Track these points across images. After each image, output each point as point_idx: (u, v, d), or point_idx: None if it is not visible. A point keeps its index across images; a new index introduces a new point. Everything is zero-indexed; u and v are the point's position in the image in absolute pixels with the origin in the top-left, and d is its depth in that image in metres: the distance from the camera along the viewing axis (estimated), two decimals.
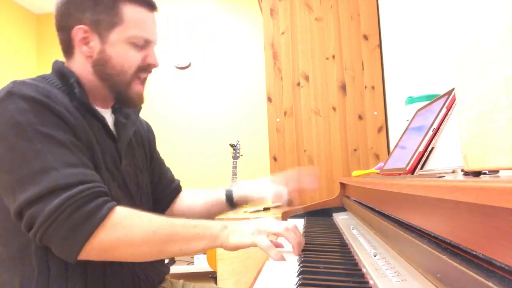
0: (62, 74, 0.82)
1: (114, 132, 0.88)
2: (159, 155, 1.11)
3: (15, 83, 0.72)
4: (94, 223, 0.66)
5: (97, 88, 0.85)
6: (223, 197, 1.08)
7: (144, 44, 0.85)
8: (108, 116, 0.90)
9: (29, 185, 0.66)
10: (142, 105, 0.92)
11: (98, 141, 0.81)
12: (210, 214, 1.09)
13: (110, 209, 0.69)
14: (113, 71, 0.83)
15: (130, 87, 0.85)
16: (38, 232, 0.65)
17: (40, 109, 0.70)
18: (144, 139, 1.03)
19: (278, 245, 0.80)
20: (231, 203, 1.08)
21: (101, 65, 0.83)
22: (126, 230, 0.69)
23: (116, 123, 0.91)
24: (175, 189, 1.12)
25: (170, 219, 0.75)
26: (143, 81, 0.88)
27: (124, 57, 0.83)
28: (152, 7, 0.87)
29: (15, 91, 0.70)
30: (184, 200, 1.11)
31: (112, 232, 0.67)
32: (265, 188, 1.07)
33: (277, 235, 0.79)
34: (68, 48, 0.84)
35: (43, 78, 0.81)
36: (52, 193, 0.65)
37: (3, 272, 0.74)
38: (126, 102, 0.88)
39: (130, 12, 0.82)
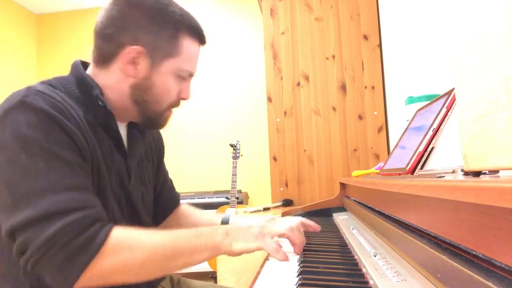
0: (83, 83, 0.77)
1: (126, 146, 0.85)
2: (164, 165, 1.07)
3: (29, 91, 0.68)
4: (92, 250, 0.62)
5: (125, 107, 0.81)
6: (218, 222, 1.04)
7: (187, 78, 0.85)
8: (122, 129, 0.86)
9: (26, 206, 0.62)
10: None
11: (106, 160, 0.77)
12: None
13: (107, 233, 0.65)
14: (151, 99, 0.80)
15: (162, 116, 0.85)
16: (30, 261, 0.61)
17: (49, 124, 0.66)
18: (154, 151, 0.99)
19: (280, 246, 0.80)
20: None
21: (141, 90, 0.79)
22: (126, 252, 0.65)
23: (129, 136, 0.87)
24: (174, 203, 1.07)
25: (171, 232, 0.71)
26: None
27: (167, 88, 0.81)
28: (204, 43, 0.87)
29: (28, 102, 0.66)
30: (180, 217, 1.07)
31: (112, 257, 0.64)
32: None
33: (281, 236, 0.78)
34: (107, 58, 0.78)
35: (61, 83, 0.76)
36: (49, 218, 0.61)
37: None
38: (153, 126, 0.88)
39: (187, 45, 0.81)
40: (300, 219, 0.87)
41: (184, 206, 1.10)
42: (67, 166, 0.66)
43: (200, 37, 0.84)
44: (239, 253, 0.73)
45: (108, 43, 0.77)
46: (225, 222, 1.03)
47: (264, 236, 0.74)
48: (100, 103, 0.76)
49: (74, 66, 0.81)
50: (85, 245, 0.62)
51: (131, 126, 0.88)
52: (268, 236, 0.74)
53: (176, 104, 0.86)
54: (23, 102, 0.66)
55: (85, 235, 0.63)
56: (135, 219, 0.83)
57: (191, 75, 0.85)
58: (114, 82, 0.79)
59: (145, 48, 0.76)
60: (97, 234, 0.64)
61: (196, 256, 0.71)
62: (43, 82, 0.74)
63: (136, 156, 0.87)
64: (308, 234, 1.00)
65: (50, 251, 0.60)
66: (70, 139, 0.68)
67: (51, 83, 0.75)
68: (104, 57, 0.78)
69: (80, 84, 0.77)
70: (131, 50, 0.76)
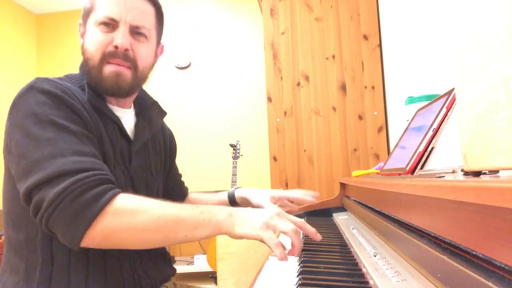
0: (82, 74, 0.87)
1: (131, 133, 0.90)
2: (177, 167, 1.15)
3: (38, 79, 0.77)
4: (97, 208, 0.66)
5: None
6: (225, 197, 1.12)
7: (112, 23, 0.83)
8: (128, 116, 0.92)
9: (38, 169, 0.68)
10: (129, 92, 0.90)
11: (111, 139, 0.83)
12: None
13: (115, 194, 0.69)
14: (86, 56, 0.85)
15: (101, 72, 0.83)
16: (44, 217, 0.67)
17: (56, 102, 0.74)
18: (163, 147, 1.04)
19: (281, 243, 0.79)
20: (233, 203, 1.11)
21: (83, 54, 0.86)
22: (130, 216, 0.68)
23: (136, 125, 0.92)
24: (182, 195, 1.16)
25: (176, 204, 0.74)
26: (117, 64, 0.85)
27: (93, 39, 0.84)
28: None
29: (36, 86, 0.75)
30: (189, 202, 1.15)
31: (115, 218, 0.67)
32: (263, 194, 1.09)
33: (285, 234, 0.77)
34: None
35: (68, 76, 0.86)
36: (59, 178, 0.67)
37: (13, 256, 0.77)
38: (102, 88, 0.85)
39: None
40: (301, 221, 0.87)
41: (193, 194, 1.19)
42: (75, 136, 0.73)
43: None
44: (239, 237, 0.74)
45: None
46: (231, 195, 1.12)
47: (267, 228, 0.73)
48: (87, 90, 0.83)
49: (80, 67, 0.90)
50: (92, 201, 0.67)
51: (139, 118, 0.94)
52: (271, 229, 0.73)
53: (110, 53, 0.83)
54: (32, 87, 0.75)
55: (92, 192, 0.67)
56: None
57: (112, 20, 0.83)
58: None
59: (82, 19, 0.88)
60: (104, 194, 0.68)
61: (197, 230, 0.72)
62: (50, 77, 0.83)
63: (140, 142, 0.91)
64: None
65: (60, 205, 0.65)
66: (75, 114, 0.76)
67: (59, 77, 0.84)
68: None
69: (82, 76, 0.87)
70: (79, 27, 0.89)
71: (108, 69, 0.83)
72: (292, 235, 0.76)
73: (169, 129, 1.12)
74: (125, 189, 0.83)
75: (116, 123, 0.86)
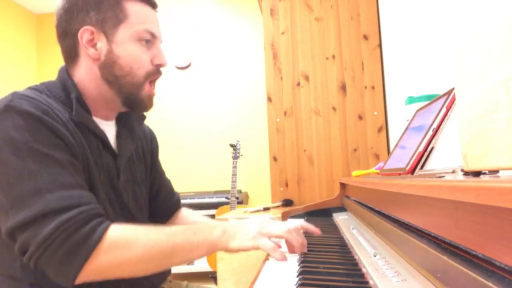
0: (65, 86, 0.79)
1: (115, 146, 0.85)
2: (160, 166, 1.07)
3: (14, 95, 0.69)
4: (89, 247, 0.64)
5: (104, 94, 0.82)
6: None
7: (151, 40, 0.83)
8: (110, 128, 0.87)
9: (22, 207, 0.63)
10: (147, 113, 0.90)
11: (95, 159, 0.78)
12: None
13: (105, 229, 0.66)
14: (121, 72, 0.80)
15: (142, 90, 0.82)
16: (32, 258, 0.63)
17: (36, 126, 0.67)
18: (146, 152, 0.99)
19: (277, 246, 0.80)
20: None
21: (109, 67, 0.79)
22: (123, 250, 0.66)
23: (118, 136, 0.88)
24: (175, 204, 1.07)
25: (168, 229, 0.73)
26: (153, 83, 0.85)
27: (133, 56, 0.80)
28: (153, 5, 0.86)
29: (13, 105, 0.67)
30: (182, 220, 1.07)
31: (109, 254, 0.65)
32: None
33: (279, 237, 0.78)
34: (72, 54, 0.81)
35: (47, 87, 0.79)
36: (46, 217, 0.63)
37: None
38: (136, 106, 0.84)
39: (133, 7, 0.81)
40: (300, 222, 0.87)
41: (185, 210, 1.11)
42: (58, 165, 0.67)
43: (147, 1, 0.84)
44: (236, 251, 0.74)
45: (66, 39, 0.81)
46: None
47: (261, 236, 0.74)
48: (76, 105, 0.77)
49: (60, 71, 0.83)
50: (83, 241, 0.64)
51: (120, 126, 0.89)
52: (265, 236, 0.75)
53: (153, 72, 0.83)
54: (9, 107, 0.67)
55: (82, 231, 0.64)
56: (127, 218, 0.84)
57: (153, 36, 0.83)
58: (86, 71, 0.81)
59: (95, 25, 0.78)
60: (95, 231, 0.65)
61: (193, 253, 0.72)
62: (29, 88, 0.77)
63: (126, 155, 0.87)
64: (308, 234, 1.00)
65: (50, 248, 0.62)
66: (58, 138, 0.69)
67: (37, 88, 0.77)
68: (70, 54, 0.82)
69: (63, 88, 0.79)
70: (82, 33, 0.78)
71: (149, 91, 0.83)
72: (287, 235, 0.76)
73: (149, 129, 1.04)
74: (116, 208, 0.82)
75: (101, 138, 0.81)
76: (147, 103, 0.84)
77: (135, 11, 0.81)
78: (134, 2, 0.81)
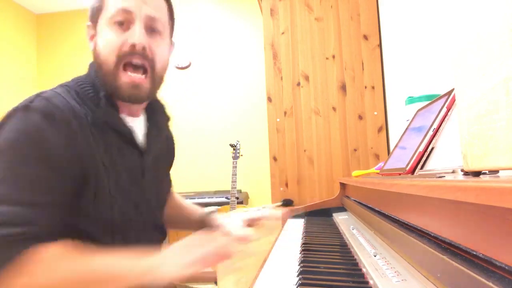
0: (94, 84, 0.78)
1: (143, 143, 0.84)
2: None
3: (37, 97, 0.70)
4: (2, 263, 0.60)
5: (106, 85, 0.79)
6: (197, 213, 1.03)
7: (126, 19, 0.75)
8: (138, 125, 0.84)
9: None
10: (154, 101, 0.88)
11: (120, 159, 0.76)
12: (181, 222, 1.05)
13: (21, 253, 0.61)
14: (99, 61, 0.76)
15: (118, 78, 0.75)
16: None
17: (32, 138, 0.66)
18: (170, 149, 1.00)
19: (244, 239, 0.75)
20: (201, 222, 1.02)
21: (95, 58, 0.78)
22: (30, 278, 0.61)
23: (148, 133, 0.86)
24: (169, 191, 1.06)
25: (92, 265, 0.65)
26: (134, 69, 0.77)
27: (105, 41, 0.75)
28: None
29: (30, 106, 0.68)
30: (170, 202, 1.05)
31: (22, 277, 0.61)
32: (234, 220, 0.98)
33: (208, 264, 0.67)
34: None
35: (79, 84, 0.77)
36: None
37: None
38: (119, 96, 0.77)
39: None
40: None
41: (176, 198, 1.09)
42: (26, 181, 0.65)
43: None
44: (168, 281, 0.64)
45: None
46: (202, 215, 1.03)
47: (194, 264, 0.65)
48: (104, 104, 0.75)
49: (90, 66, 0.82)
50: (1, 257, 0.60)
51: (150, 122, 0.88)
52: (198, 264, 0.65)
53: (124, 54, 0.75)
54: (26, 107, 0.68)
55: (3, 249, 0.61)
56: (147, 215, 0.83)
57: (127, 13, 0.75)
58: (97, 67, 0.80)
59: (90, 20, 0.80)
60: (11, 251, 0.61)
61: None
62: (60, 85, 0.76)
63: (152, 153, 0.86)
64: (308, 234, 1.01)
65: None
66: (52, 153, 0.67)
67: (69, 86, 0.77)
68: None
69: (93, 85, 0.78)
70: (86, 29, 0.81)
71: (125, 79, 0.76)
72: (219, 255, 0.67)
73: (171, 132, 1.03)
74: (138, 206, 0.80)
75: (127, 136, 0.79)
76: (127, 92, 0.76)
77: None
78: None
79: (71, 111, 0.71)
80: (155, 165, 0.89)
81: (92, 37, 0.80)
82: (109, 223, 0.74)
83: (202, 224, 1.03)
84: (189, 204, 1.09)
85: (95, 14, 0.79)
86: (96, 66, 0.79)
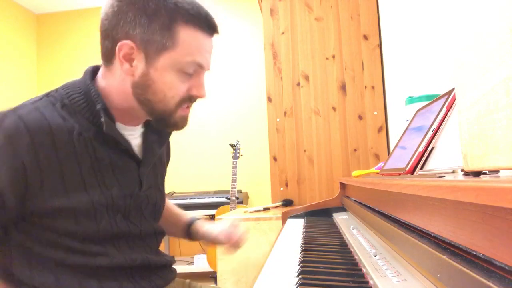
0: (88, 95, 0.75)
1: (139, 152, 0.83)
2: None
3: (19, 109, 0.69)
4: None
5: (133, 108, 0.77)
6: (185, 220, 1.04)
7: (195, 72, 0.77)
8: (135, 133, 0.83)
9: None
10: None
11: (116, 170, 0.76)
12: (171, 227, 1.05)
13: None
14: (153, 97, 0.74)
15: (174, 114, 0.78)
16: None
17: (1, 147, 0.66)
18: (166, 153, 0.98)
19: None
20: (187, 231, 1.04)
21: (142, 89, 0.74)
22: None
23: (145, 140, 0.84)
24: None
25: None
26: (188, 107, 0.81)
27: (169, 85, 0.74)
28: (212, 31, 0.79)
29: (4, 118, 0.67)
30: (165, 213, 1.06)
31: None
32: (219, 230, 1.02)
33: None
34: (108, 57, 0.75)
35: (67, 93, 0.75)
36: None
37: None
38: (169, 127, 0.81)
39: (186, 36, 0.73)
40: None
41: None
42: None
43: (204, 26, 0.76)
44: None
45: (106, 40, 0.74)
46: (189, 223, 1.04)
47: None
48: (101, 118, 0.73)
49: (85, 73, 0.79)
50: None
51: (147, 130, 0.86)
52: None
53: (187, 100, 0.79)
54: (4, 117, 0.67)
55: None
56: (139, 226, 0.82)
57: (200, 67, 0.77)
58: (117, 82, 0.76)
59: (137, 42, 0.71)
60: None
61: None
62: (47, 95, 0.74)
63: (150, 163, 0.84)
64: (308, 234, 1.01)
65: None
66: (17, 169, 0.66)
67: (55, 96, 0.74)
68: (106, 56, 0.76)
69: (86, 95, 0.75)
70: (122, 46, 0.71)
71: (181, 113, 0.79)
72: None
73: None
74: (129, 216, 0.80)
75: (125, 147, 0.78)
76: (179, 124, 0.81)
77: (186, 40, 0.73)
78: (189, 27, 0.73)
79: (46, 128, 0.69)
80: (153, 173, 0.88)
81: (130, 58, 0.73)
82: (96, 235, 0.73)
83: (188, 230, 1.04)
84: (177, 209, 1.08)
85: (153, 47, 0.72)
86: (141, 96, 0.75)
